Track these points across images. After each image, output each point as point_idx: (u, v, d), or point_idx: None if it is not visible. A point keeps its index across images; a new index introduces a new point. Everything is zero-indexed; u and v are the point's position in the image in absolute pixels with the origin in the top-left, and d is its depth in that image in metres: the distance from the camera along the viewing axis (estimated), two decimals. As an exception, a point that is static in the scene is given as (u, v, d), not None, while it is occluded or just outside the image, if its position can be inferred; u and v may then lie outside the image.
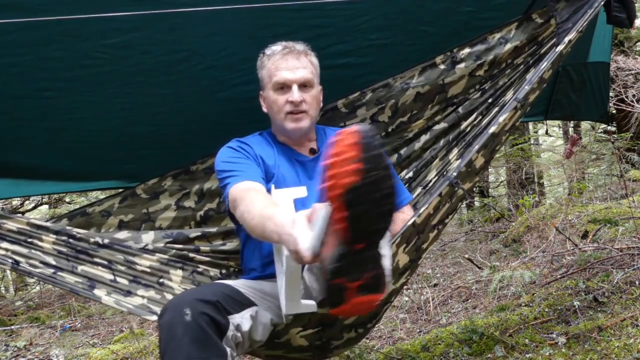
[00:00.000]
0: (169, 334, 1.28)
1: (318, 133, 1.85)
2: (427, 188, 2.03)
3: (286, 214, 1.27)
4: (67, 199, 6.76)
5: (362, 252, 1.05)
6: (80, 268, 1.81)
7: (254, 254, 1.75)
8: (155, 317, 1.80)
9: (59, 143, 1.95)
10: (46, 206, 6.65)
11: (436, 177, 2.04)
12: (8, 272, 7.74)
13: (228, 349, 1.32)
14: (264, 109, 1.80)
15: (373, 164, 0.99)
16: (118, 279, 1.85)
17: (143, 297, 1.85)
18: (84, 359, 3.24)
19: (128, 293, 1.84)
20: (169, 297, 1.87)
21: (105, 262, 1.86)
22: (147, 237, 1.98)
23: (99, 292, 1.80)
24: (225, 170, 1.65)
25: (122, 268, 1.87)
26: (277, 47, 1.74)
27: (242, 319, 1.43)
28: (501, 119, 1.75)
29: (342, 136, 1.00)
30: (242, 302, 1.48)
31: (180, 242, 2.00)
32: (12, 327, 4.39)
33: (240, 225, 1.71)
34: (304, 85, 1.71)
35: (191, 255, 1.98)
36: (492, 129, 1.74)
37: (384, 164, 1.01)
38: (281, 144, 1.79)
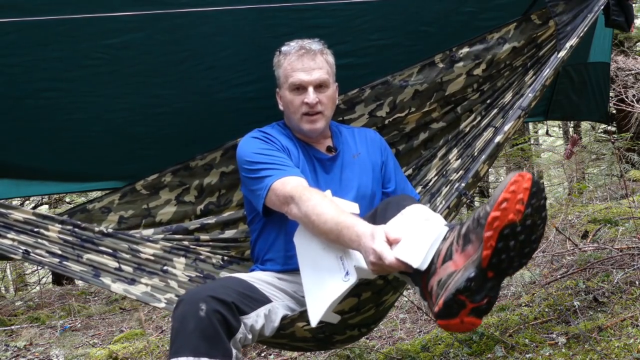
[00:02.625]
0: (181, 325, 1.30)
1: (332, 131, 1.86)
2: (427, 187, 2.04)
3: (365, 225, 1.31)
4: (67, 199, 6.76)
5: (491, 280, 1.14)
6: (85, 257, 1.83)
7: (274, 245, 1.74)
8: (159, 304, 1.83)
9: (59, 143, 1.95)
10: (46, 206, 6.64)
11: (436, 177, 2.05)
12: (8, 272, 7.75)
13: (234, 351, 1.34)
14: (280, 107, 1.81)
15: (535, 211, 1.10)
16: (123, 266, 1.86)
17: (147, 284, 1.86)
18: (84, 359, 3.24)
19: (132, 281, 1.85)
20: (173, 284, 1.89)
21: (110, 251, 1.87)
22: (147, 232, 2.00)
23: (106, 280, 1.81)
24: (259, 162, 1.63)
25: (127, 256, 1.89)
26: (293, 46, 1.73)
27: (256, 318, 1.45)
28: (506, 127, 1.78)
29: (521, 179, 1.09)
30: (257, 299, 1.49)
31: (180, 233, 2.02)
32: (12, 327, 4.39)
33: (255, 214, 1.73)
34: (319, 86, 1.72)
35: (192, 245, 2.00)
36: (498, 138, 1.77)
37: (543, 214, 1.12)
38: (299, 139, 1.80)
